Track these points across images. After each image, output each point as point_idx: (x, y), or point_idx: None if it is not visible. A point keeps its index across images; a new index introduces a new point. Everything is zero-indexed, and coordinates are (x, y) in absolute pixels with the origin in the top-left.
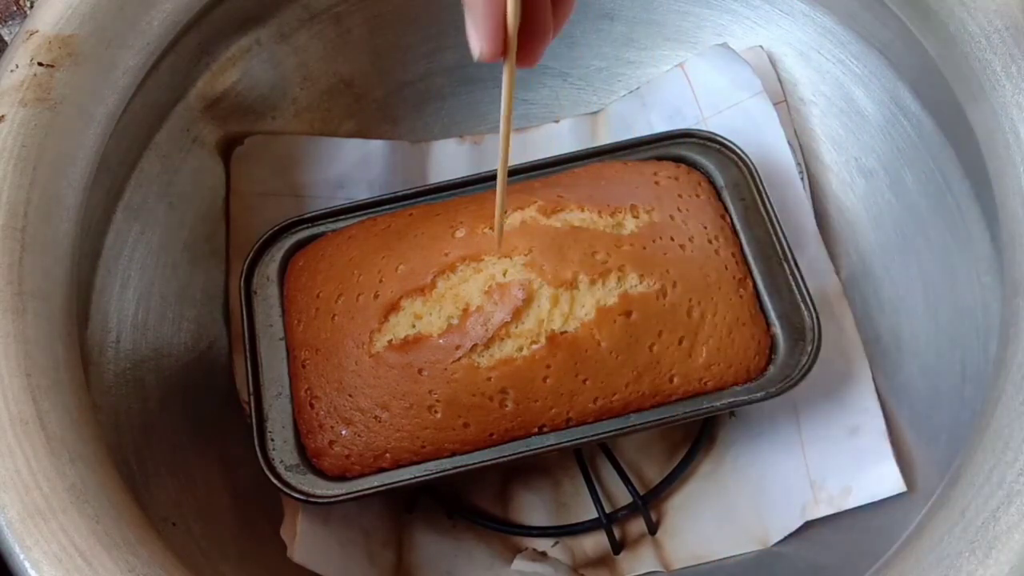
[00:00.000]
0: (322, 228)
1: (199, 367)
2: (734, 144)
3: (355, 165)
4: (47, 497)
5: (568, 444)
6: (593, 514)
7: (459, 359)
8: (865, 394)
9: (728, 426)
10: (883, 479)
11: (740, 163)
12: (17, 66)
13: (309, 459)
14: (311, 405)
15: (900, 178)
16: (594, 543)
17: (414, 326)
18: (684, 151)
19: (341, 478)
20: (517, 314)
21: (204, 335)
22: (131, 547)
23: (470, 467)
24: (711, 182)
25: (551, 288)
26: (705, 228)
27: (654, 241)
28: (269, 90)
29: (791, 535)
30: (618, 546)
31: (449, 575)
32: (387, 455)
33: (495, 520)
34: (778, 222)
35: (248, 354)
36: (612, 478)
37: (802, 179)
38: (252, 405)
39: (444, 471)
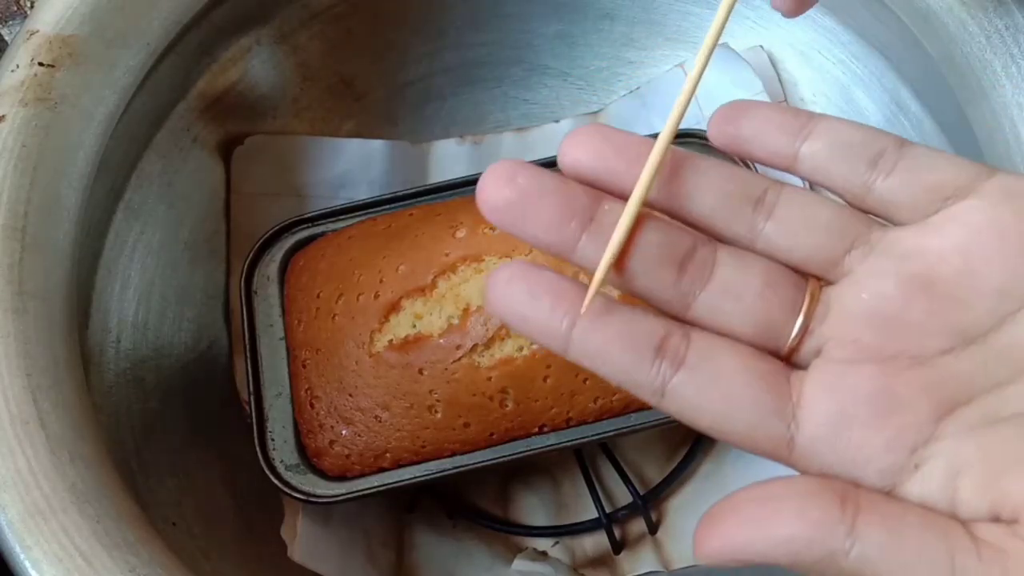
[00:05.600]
0: (322, 228)
1: (199, 367)
2: None
3: (355, 165)
4: (47, 497)
5: (568, 444)
6: (593, 514)
7: (459, 359)
8: None
9: None
10: None
11: (740, 163)
12: (17, 66)
13: (309, 459)
14: (311, 405)
15: None
16: (594, 543)
17: (414, 326)
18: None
19: (341, 478)
20: None
21: (204, 335)
22: (131, 547)
23: (470, 467)
24: None
25: None
26: None
27: None
28: (269, 90)
29: None
30: (618, 546)
31: (450, 575)
32: (387, 455)
33: (495, 520)
34: None
35: (248, 354)
36: (612, 478)
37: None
38: (252, 405)
39: (444, 471)
